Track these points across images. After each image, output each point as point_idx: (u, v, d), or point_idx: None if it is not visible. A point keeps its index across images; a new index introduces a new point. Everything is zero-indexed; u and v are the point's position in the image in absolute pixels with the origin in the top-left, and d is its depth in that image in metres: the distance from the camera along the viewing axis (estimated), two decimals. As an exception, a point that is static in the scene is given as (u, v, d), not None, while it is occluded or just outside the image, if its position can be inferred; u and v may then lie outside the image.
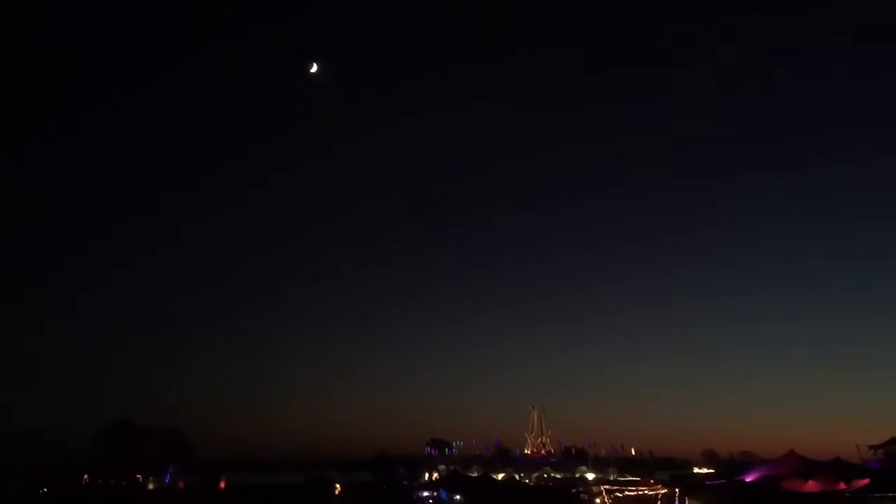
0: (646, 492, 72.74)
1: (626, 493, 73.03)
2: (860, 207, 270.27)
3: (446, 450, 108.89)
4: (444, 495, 76.11)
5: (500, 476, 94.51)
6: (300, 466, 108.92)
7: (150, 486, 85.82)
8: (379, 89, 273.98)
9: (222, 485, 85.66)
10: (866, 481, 68.12)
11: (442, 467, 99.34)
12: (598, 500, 71.32)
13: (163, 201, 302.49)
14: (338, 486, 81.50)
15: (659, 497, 70.06)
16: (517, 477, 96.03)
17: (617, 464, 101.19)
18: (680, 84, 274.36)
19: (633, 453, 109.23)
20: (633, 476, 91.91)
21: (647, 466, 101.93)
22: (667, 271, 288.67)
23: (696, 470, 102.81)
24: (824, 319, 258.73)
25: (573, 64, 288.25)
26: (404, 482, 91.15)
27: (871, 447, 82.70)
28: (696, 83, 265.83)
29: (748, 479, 74.97)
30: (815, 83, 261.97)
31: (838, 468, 72.74)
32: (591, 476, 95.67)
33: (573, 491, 77.18)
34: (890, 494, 64.74)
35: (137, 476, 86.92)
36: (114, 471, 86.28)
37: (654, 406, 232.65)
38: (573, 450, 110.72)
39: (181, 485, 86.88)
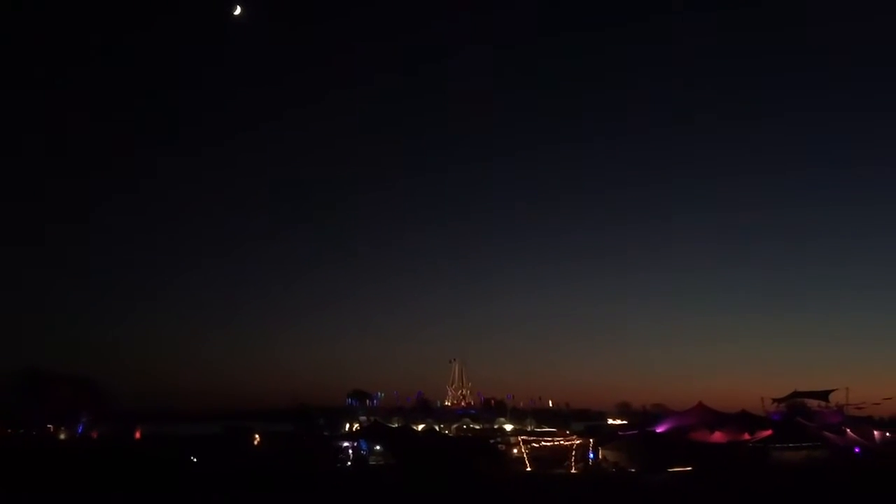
0: (561, 442, 74.64)
1: (543, 443, 74.79)
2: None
3: (367, 401, 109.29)
4: (364, 446, 76.76)
5: (421, 427, 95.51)
6: (219, 417, 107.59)
7: (62, 436, 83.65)
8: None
9: (138, 435, 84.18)
10: (769, 432, 71.79)
11: (363, 418, 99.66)
12: (515, 451, 72.84)
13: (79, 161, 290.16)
14: (257, 436, 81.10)
15: (573, 447, 72.01)
16: (437, 428, 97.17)
17: (535, 415, 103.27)
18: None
19: (551, 405, 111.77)
20: (549, 427, 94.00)
21: (564, 418, 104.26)
22: (578, 226, 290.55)
23: (610, 421, 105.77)
24: (735, 276, 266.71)
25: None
26: (325, 433, 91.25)
27: (774, 400, 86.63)
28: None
29: (659, 430, 78.09)
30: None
31: (743, 420, 76.52)
32: (509, 427, 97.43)
33: (491, 441, 78.69)
34: (790, 444, 68.21)
35: (48, 426, 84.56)
36: (22, 420, 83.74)
37: (572, 360, 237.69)
38: (492, 402, 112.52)
39: (94, 435, 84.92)
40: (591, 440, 75.07)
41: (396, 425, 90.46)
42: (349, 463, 73.65)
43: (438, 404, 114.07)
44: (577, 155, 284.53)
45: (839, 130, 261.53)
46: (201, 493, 45.92)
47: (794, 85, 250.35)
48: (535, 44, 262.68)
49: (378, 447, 75.47)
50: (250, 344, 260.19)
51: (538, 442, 75.19)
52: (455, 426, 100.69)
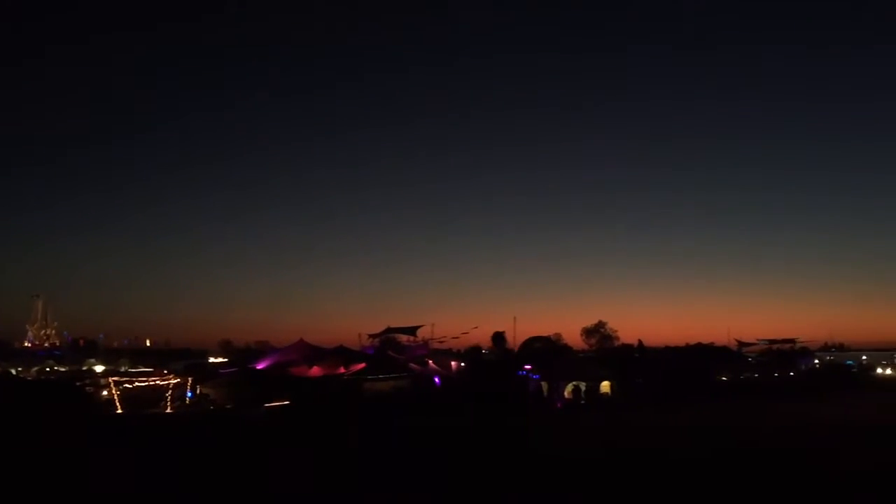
0: (157, 382, 71.45)
1: (137, 383, 70.92)
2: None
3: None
4: None
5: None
6: None
7: None
8: None
9: None
10: (363, 365, 76.20)
11: None
12: (105, 392, 68.18)
13: None
14: None
15: (170, 386, 69.35)
16: (14, 371, 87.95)
17: (130, 355, 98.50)
18: None
19: (149, 344, 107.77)
20: (147, 367, 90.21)
21: (163, 357, 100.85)
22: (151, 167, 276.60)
23: (211, 360, 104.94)
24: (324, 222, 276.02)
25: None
26: None
27: (370, 335, 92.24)
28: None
29: (260, 367, 78.57)
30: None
31: (340, 354, 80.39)
32: (100, 368, 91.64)
33: (78, 384, 72.85)
34: (380, 376, 73.13)
35: None
36: None
37: (175, 297, 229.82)
38: (81, 342, 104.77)
39: None
40: (189, 379, 73.00)
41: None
42: None
43: (17, 346, 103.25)
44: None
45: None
46: None
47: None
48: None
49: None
50: None
51: (132, 382, 71.13)
52: (36, 369, 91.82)
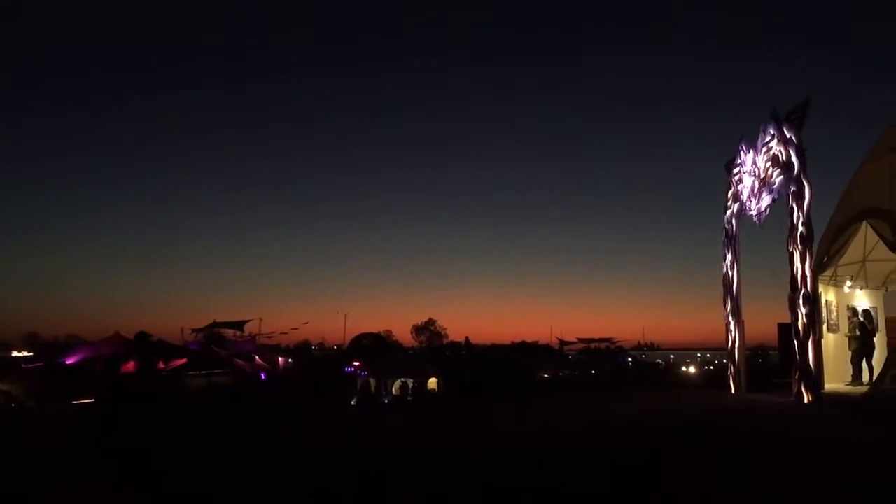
0: (-51, 378, 65.25)
1: (-76, 379, 64.42)
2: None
3: None
4: None
5: None
6: None
7: None
8: None
9: None
10: (184, 361, 72.84)
11: None
12: None
13: None
14: None
15: (-36, 382, 63.49)
16: None
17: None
18: None
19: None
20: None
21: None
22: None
23: (14, 353, 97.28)
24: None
25: None
26: None
27: (193, 330, 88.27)
28: None
29: (69, 361, 73.42)
30: None
31: (162, 349, 76.53)
32: None
33: None
34: (202, 371, 70.30)
35: None
36: None
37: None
38: None
39: None
40: (-13, 374, 67.23)
41: None
42: None
43: None
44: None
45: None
46: None
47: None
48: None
49: None
50: None
51: (-83, 379, 64.55)
52: None
